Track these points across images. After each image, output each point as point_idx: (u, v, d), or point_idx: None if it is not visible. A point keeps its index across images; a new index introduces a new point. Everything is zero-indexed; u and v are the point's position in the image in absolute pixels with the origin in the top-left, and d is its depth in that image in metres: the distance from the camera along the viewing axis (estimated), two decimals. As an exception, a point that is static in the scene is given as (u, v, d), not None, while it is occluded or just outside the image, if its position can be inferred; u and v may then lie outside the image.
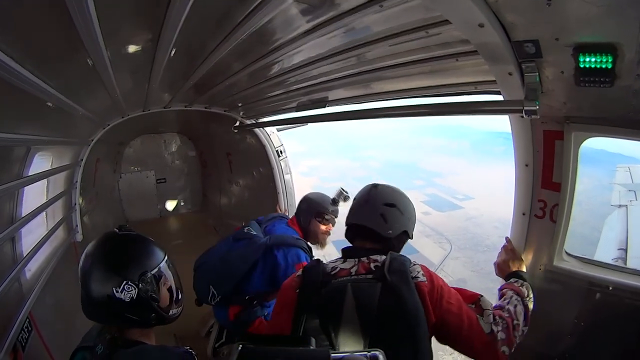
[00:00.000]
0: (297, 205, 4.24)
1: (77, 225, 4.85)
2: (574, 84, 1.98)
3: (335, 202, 4.00)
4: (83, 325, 2.12)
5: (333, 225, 4.10)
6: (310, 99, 4.18)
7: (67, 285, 3.80)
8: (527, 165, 2.66)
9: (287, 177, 6.01)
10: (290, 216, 4.25)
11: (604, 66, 1.80)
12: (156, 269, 1.99)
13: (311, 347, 1.57)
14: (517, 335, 2.14)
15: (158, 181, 9.18)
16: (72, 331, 3.06)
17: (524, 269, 2.71)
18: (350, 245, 2.42)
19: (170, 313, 2.08)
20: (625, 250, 5.94)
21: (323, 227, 4.05)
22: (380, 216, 2.33)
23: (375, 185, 2.49)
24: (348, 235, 2.47)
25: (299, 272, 2.33)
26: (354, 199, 2.54)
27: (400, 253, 2.31)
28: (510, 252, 2.79)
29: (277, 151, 5.96)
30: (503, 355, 2.07)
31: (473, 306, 2.17)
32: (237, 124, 5.88)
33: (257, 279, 3.63)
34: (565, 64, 1.94)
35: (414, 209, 2.49)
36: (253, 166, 6.61)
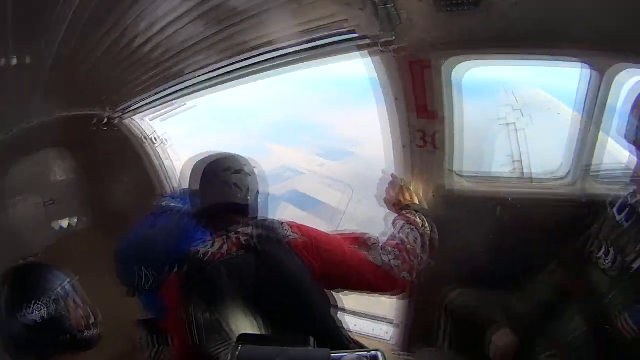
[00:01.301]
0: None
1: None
2: (435, 10, 1.96)
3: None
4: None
5: None
6: (165, 76, 4.00)
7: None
8: (397, 99, 2.63)
9: (167, 163, 5.86)
10: None
11: (466, -13, 1.72)
12: (60, 288, 2.02)
13: (310, 347, 1.56)
14: (414, 259, 2.15)
15: (46, 204, 8.31)
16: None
17: (416, 201, 2.70)
18: (217, 225, 2.25)
19: (86, 335, 2.08)
20: (520, 161, 6.27)
21: None
22: (233, 186, 2.21)
23: (216, 157, 2.34)
24: (208, 216, 2.34)
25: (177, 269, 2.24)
26: (194, 181, 2.35)
27: (270, 218, 2.28)
28: (397, 187, 2.75)
29: (151, 139, 5.76)
30: (405, 281, 2.08)
31: (358, 247, 2.15)
32: (105, 120, 5.59)
33: (186, 249, 3.53)
34: (421, -10, 1.86)
35: (254, 167, 2.38)
36: (133, 160, 6.33)
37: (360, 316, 4.25)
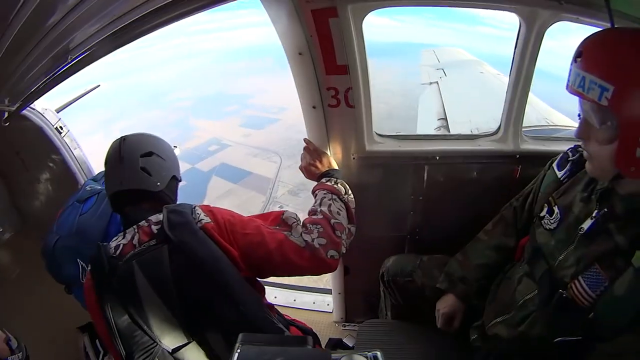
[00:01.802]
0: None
1: None
2: None
3: None
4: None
5: None
6: (52, 56, 3.67)
7: None
8: (301, 54, 2.41)
9: (76, 152, 5.46)
10: None
11: None
12: None
13: (310, 347, 1.45)
14: (340, 234, 2.01)
15: None
16: None
17: (335, 166, 2.56)
18: (126, 214, 2.05)
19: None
20: (445, 119, 6.36)
21: None
22: (141, 171, 2.01)
23: (123, 139, 2.12)
24: (115, 206, 2.12)
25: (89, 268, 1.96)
26: (104, 162, 2.14)
27: (181, 203, 2.06)
28: (313, 153, 2.60)
29: (56, 128, 5.36)
30: (332, 260, 1.94)
31: (278, 227, 1.99)
32: (5, 115, 5.07)
33: (117, 232, 3.34)
34: None
35: (171, 148, 2.24)
36: (43, 155, 5.87)
37: (299, 290, 4.22)
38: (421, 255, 2.67)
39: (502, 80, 7.60)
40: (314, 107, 2.60)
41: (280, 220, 2.02)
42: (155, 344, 1.75)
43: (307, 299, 4.09)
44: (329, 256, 1.92)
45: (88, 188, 3.56)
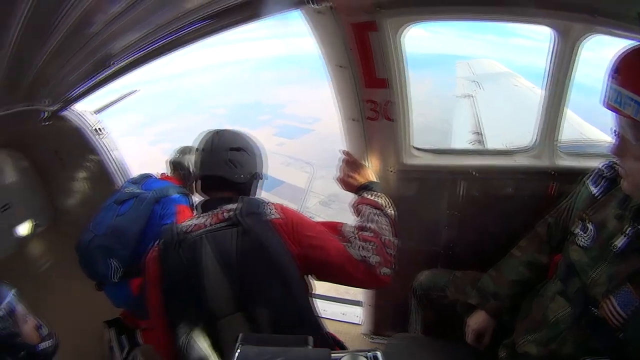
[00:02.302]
0: (176, 163, 4.07)
1: None
2: None
3: None
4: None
5: None
6: (94, 62, 3.77)
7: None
8: (341, 67, 2.45)
9: (115, 153, 5.62)
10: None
11: None
12: (4, 304, 1.93)
13: (310, 347, 1.50)
14: (391, 252, 2.02)
15: (2, 209, 7.91)
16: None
17: (373, 178, 2.55)
18: (205, 199, 2.27)
19: (41, 348, 2.04)
20: (480, 133, 6.28)
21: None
22: (228, 162, 2.23)
23: (217, 132, 2.34)
24: (201, 188, 2.33)
25: (157, 242, 2.14)
26: (197, 149, 2.36)
27: (256, 196, 2.29)
28: (351, 165, 2.59)
29: (95, 130, 5.49)
30: (386, 277, 1.95)
31: (337, 237, 2.03)
32: (45, 115, 5.21)
33: (152, 237, 3.27)
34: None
35: (261, 148, 2.40)
36: (80, 155, 6.09)
37: (330, 300, 4.23)
38: (454, 270, 2.65)
39: (536, 93, 7.47)
40: (353, 120, 2.64)
41: (339, 231, 2.06)
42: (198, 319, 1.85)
43: (336, 310, 4.08)
44: (382, 273, 1.93)
45: (126, 190, 3.67)
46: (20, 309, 1.99)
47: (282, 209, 2.06)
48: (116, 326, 4.00)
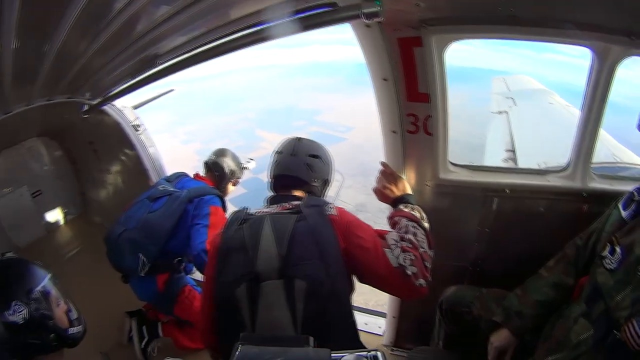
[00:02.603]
0: (212, 164, 4.16)
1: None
2: None
3: (244, 168, 4.28)
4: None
5: None
6: (140, 60, 3.84)
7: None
8: (385, 80, 2.50)
9: (151, 150, 5.75)
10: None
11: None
12: (41, 286, 1.97)
13: (311, 347, 1.58)
14: (427, 264, 2.08)
15: (34, 195, 8.05)
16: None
17: (409, 191, 2.63)
18: (275, 194, 2.53)
19: (70, 332, 2.06)
20: (513, 151, 6.21)
21: (232, 188, 4.27)
22: (306, 166, 2.49)
23: (298, 139, 2.62)
24: (274, 185, 2.57)
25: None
26: (277, 152, 2.61)
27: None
28: (389, 176, 2.69)
29: (133, 126, 5.61)
30: (421, 288, 2.00)
31: (382, 242, 2.11)
32: (85, 107, 5.36)
33: (182, 235, 3.55)
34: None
35: (332, 157, 2.65)
36: (116, 149, 6.30)
37: (354, 309, 4.20)
38: (481, 287, 2.65)
39: (571, 112, 7.34)
40: (393, 132, 2.68)
41: (384, 237, 2.14)
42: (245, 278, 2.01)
43: (359, 319, 4.00)
44: (418, 284, 1.98)
45: (160, 188, 3.76)
46: (54, 292, 2.03)
47: (340, 210, 2.21)
48: (138, 317, 4.08)
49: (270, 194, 2.56)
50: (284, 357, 1.41)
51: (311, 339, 1.60)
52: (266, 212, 2.28)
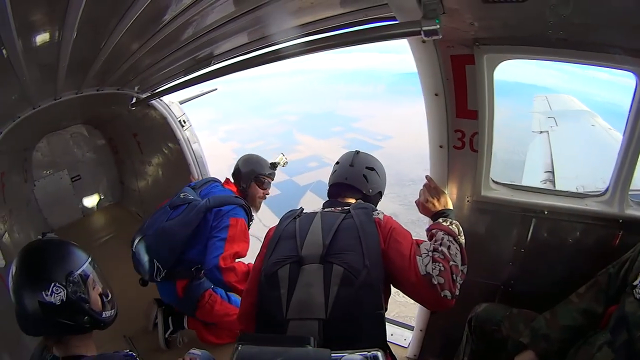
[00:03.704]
0: (234, 167, 4.17)
1: (-5, 251, 4.47)
2: (480, 0, 1.82)
3: (274, 166, 4.13)
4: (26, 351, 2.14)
5: (269, 190, 4.18)
6: (194, 58, 3.99)
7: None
8: (437, 95, 2.54)
9: (195, 146, 5.87)
10: (223, 179, 4.21)
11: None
12: (81, 269, 1.99)
13: (311, 347, 1.59)
14: (456, 278, 2.10)
15: (73, 179, 8.44)
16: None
17: (450, 206, 2.69)
18: (331, 200, 2.72)
19: (104, 316, 2.07)
20: (552, 172, 6.13)
21: (261, 191, 4.12)
22: (363, 177, 2.68)
23: (357, 152, 2.81)
24: (331, 192, 2.77)
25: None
26: (338, 162, 2.83)
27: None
28: (432, 190, 2.75)
29: (179, 122, 5.76)
30: (446, 300, 2.02)
31: (416, 249, 2.19)
32: (134, 100, 5.53)
33: (201, 245, 3.57)
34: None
35: (385, 171, 2.81)
36: (160, 142, 6.41)
37: None
38: (511, 307, 2.65)
39: (612, 136, 7.18)
40: (440, 147, 2.72)
41: (418, 245, 2.21)
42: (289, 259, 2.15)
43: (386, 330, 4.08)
44: (443, 295, 2.00)
45: (182, 195, 3.80)
46: (92, 276, 2.06)
47: (387, 217, 2.34)
48: (165, 307, 4.17)
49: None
50: (284, 357, 1.45)
51: (311, 338, 1.64)
52: (319, 211, 2.47)
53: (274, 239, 2.33)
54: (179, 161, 5.99)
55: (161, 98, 5.57)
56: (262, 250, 2.40)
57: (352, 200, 2.63)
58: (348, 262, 2.02)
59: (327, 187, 2.83)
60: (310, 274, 2.06)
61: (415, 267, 2.07)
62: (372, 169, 2.73)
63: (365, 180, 2.68)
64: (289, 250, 2.19)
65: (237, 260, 3.51)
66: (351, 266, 2.01)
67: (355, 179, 2.69)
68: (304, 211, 2.54)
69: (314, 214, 2.41)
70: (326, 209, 2.52)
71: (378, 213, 2.33)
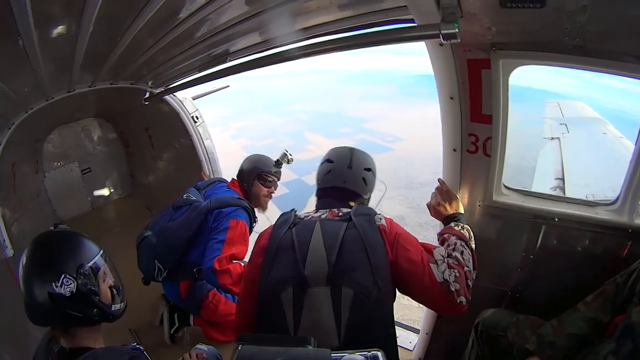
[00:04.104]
0: (239, 169, 4.16)
1: (4, 240, 4.51)
2: (498, 5, 1.81)
3: (278, 164, 4.07)
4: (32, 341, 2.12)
5: (275, 188, 4.15)
6: (209, 55, 4.00)
7: (5, 307, 3.58)
8: (452, 98, 2.53)
9: (207, 142, 5.88)
10: (229, 179, 4.21)
11: (533, -17, 1.62)
12: (92, 262, 2.00)
13: (311, 347, 1.57)
14: (470, 283, 2.11)
15: (83, 172, 8.50)
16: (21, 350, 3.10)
17: (462, 210, 2.69)
18: (325, 200, 2.52)
19: (113, 308, 2.08)
20: (562, 179, 6.10)
21: (265, 190, 4.09)
22: (362, 180, 2.53)
23: (352, 150, 2.63)
24: (327, 195, 2.54)
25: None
26: (328, 160, 2.62)
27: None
28: (445, 194, 2.75)
29: (192, 117, 5.76)
30: (461, 306, 2.03)
31: (429, 257, 2.16)
32: (147, 95, 5.56)
33: (202, 247, 3.56)
34: (487, -18, 1.76)
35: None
36: (172, 137, 6.40)
37: None
38: (518, 313, 2.65)
39: (624, 145, 7.13)
40: (454, 150, 2.70)
41: (431, 252, 2.18)
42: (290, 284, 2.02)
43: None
44: (459, 301, 2.02)
45: (185, 196, 3.82)
46: (103, 268, 2.07)
47: (389, 220, 2.26)
48: (172, 303, 4.18)
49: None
50: (285, 357, 1.44)
51: (311, 338, 1.62)
52: (316, 217, 2.30)
53: (270, 249, 2.18)
54: (190, 157, 5.99)
55: (174, 94, 5.59)
56: (256, 260, 2.23)
57: (351, 203, 2.48)
58: (358, 281, 1.96)
59: (318, 188, 2.62)
60: (317, 299, 1.98)
61: (431, 274, 2.06)
62: (369, 169, 2.59)
63: (365, 184, 2.55)
64: (290, 269, 2.05)
65: (234, 261, 3.50)
66: (362, 287, 1.95)
67: (355, 184, 2.52)
68: (298, 214, 2.39)
69: (312, 222, 2.23)
70: (323, 215, 2.33)
71: (380, 218, 2.24)
